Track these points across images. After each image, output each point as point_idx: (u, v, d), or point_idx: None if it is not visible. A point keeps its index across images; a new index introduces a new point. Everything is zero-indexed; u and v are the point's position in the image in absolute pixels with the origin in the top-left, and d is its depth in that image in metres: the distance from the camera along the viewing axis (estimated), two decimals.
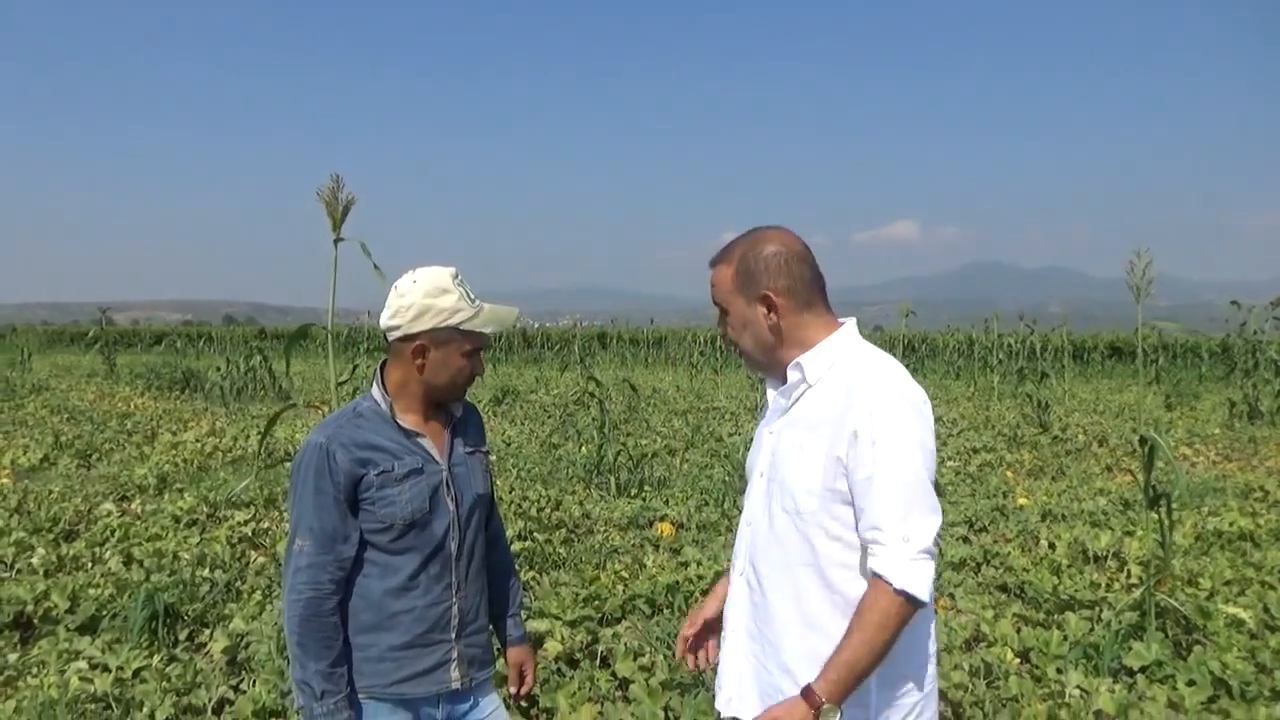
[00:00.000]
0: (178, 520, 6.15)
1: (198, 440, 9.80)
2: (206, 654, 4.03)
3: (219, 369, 15.65)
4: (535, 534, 5.79)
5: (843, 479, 1.64)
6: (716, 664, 1.99)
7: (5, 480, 7.53)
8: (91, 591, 4.54)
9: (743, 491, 1.97)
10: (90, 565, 5.21)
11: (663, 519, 6.34)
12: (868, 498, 1.61)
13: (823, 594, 1.69)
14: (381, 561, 1.92)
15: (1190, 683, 3.50)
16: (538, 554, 5.45)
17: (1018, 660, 3.85)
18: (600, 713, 3.32)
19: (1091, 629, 4.10)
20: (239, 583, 4.89)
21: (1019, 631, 4.10)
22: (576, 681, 3.56)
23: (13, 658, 3.88)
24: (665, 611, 4.52)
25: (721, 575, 2.22)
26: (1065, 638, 3.97)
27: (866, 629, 1.57)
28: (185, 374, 17.04)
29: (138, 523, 6.09)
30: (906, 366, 1.79)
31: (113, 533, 5.76)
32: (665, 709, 3.31)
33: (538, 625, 4.07)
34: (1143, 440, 4.15)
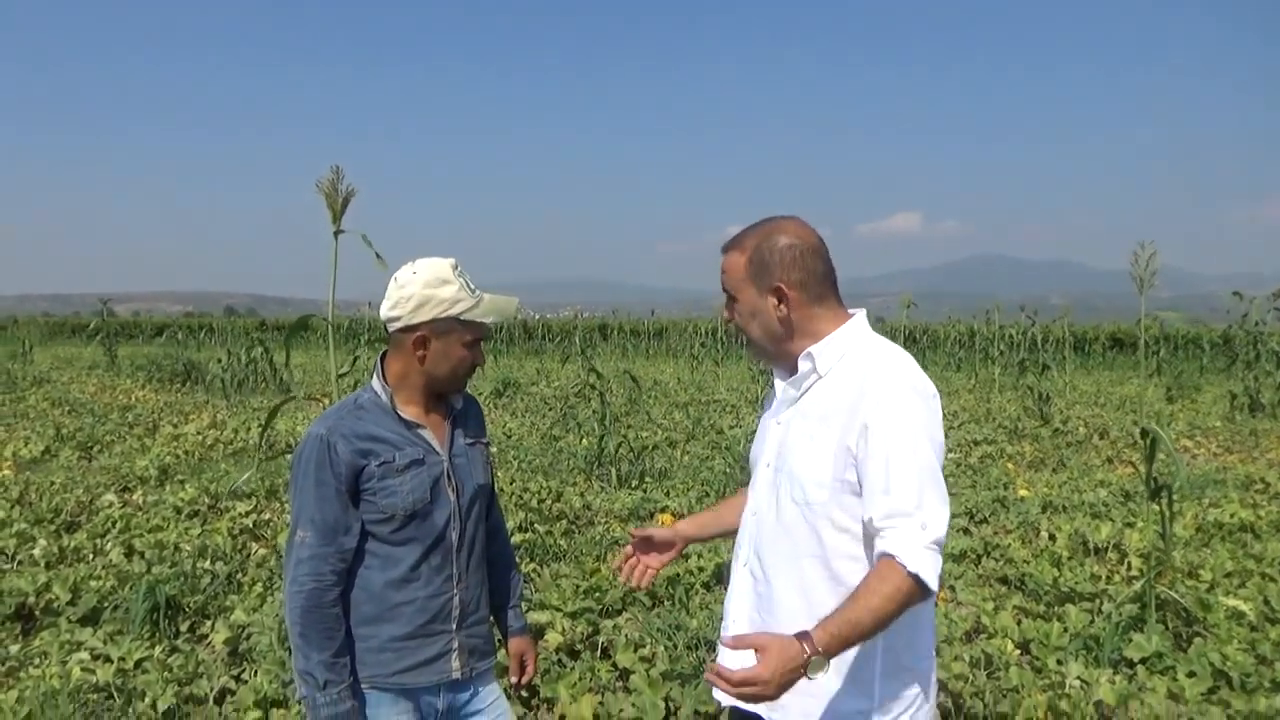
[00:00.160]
0: (179, 512, 6.16)
1: (199, 432, 9.81)
2: (208, 645, 4.04)
3: (220, 361, 15.64)
4: (536, 525, 5.79)
5: (852, 470, 1.64)
6: (646, 585, 2.13)
7: (7, 472, 7.54)
8: (93, 583, 4.54)
9: (744, 483, 1.97)
10: (92, 557, 5.22)
11: (663, 511, 6.34)
12: (881, 487, 1.59)
13: (829, 586, 1.69)
14: (383, 553, 1.93)
15: (1190, 674, 3.50)
16: (538, 545, 5.45)
17: (1018, 652, 3.86)
18: (601, 703, 3.32)
19: (1092, 621, 4.10)
20: (240, 574, 4.90)
21: (1019, 623, 4.11)
22: (577, 672, 3.57)
23: (15, 649, 3.90)
24: (666, 603, 4.53)
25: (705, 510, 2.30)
26: (1065, 629, 3.97)
27: (875, 596, 1.52)
28: (186, 366, 17.02)
29: (139, 514, 6.10)
30: None
31: (114, 524, 5.77)
32: (666, 700, 3.31)
33: (538, 616, 4.08)
34: (1144, 432, 4.15)
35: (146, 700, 3.38)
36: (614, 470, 7.53)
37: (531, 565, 5.15)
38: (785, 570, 1.74)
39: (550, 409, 12.58)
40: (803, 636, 1.48)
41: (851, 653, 1.67)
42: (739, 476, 7.12)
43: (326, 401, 11.08)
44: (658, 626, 4.13)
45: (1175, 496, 4.37)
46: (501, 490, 6.55)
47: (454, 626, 2.00)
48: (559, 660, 3.81)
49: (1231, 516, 5.88)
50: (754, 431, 1.97)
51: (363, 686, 1.92)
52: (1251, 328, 14.74)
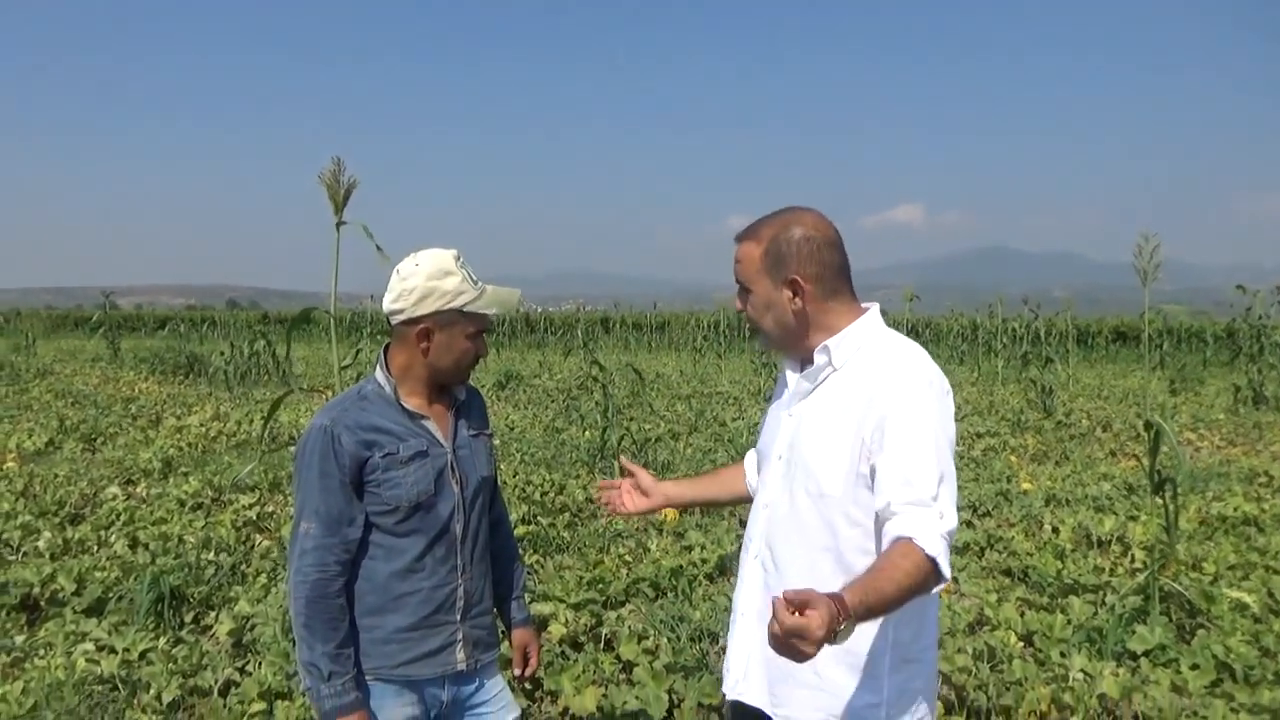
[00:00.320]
0: (183, 504, 6.17)
1: (202, 424, 9.82)
2: (212, 636, 4.05)
3: (223, 353, 15.65)
4: (539, 518, 5.80)
5: (867, 463, 1.64)
6: (625, 512, 2.18)
7: (11, 464, 7.55)
8: (97, 574, 4.55)
9: (725, 463, 1.96)
10: (96, 548, 5.23)
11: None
12: (900, 478, 1.58)
13: (841, 579, 1.68)
14: (387, 544, 1.93)
15: (1194, 667, 3.50)
16: (541, 538, 5.46)
17: (1021, 644, 3.86)
18: (604, 695, 3.33)
19: (1095, 613, 4.10)
20: (244, 566, 4.91)
21: (1022, 615, 4.10)
22: (580, 664, 3.58)
23: (20, 640, 3.91)
24: (669, 595, 4.53)
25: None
26: (1069, 622, 3.97)
27: (899, 571, 1.48)
28: (189, 358, 17.04)
29: (143, 506, 6.11)
30: None
31: (118, 516, 5.78)
32: (669, 692, 3.32)
33: (542, 608, 4.08)
34: (1147, 425, 4.14)
35: (151, 691, 3.40)
36: (616, 463, 7.53)
37: (535, 557, 5.16)
38: (797, 563, 1.74)
39: (553, 401, 12.59)
40: (836, 599, 1.40)
41: (861, 647, 1.67)
42: None
43: (329, 394, 11.07)
44: (661, 618, 4.13)
45: (1179, 489, 4.36)
46: (504, 483, 6.55)
47: (458, 618, 2.00)
48: (562, 652, 3.82)
49: (1235, 510, 5.87)
50: (757, 423, 1.97)
51: (367, 678, 1.92)
52: (1255, 321, 14.71)
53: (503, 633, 2.25)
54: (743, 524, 2.02)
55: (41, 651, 3.79)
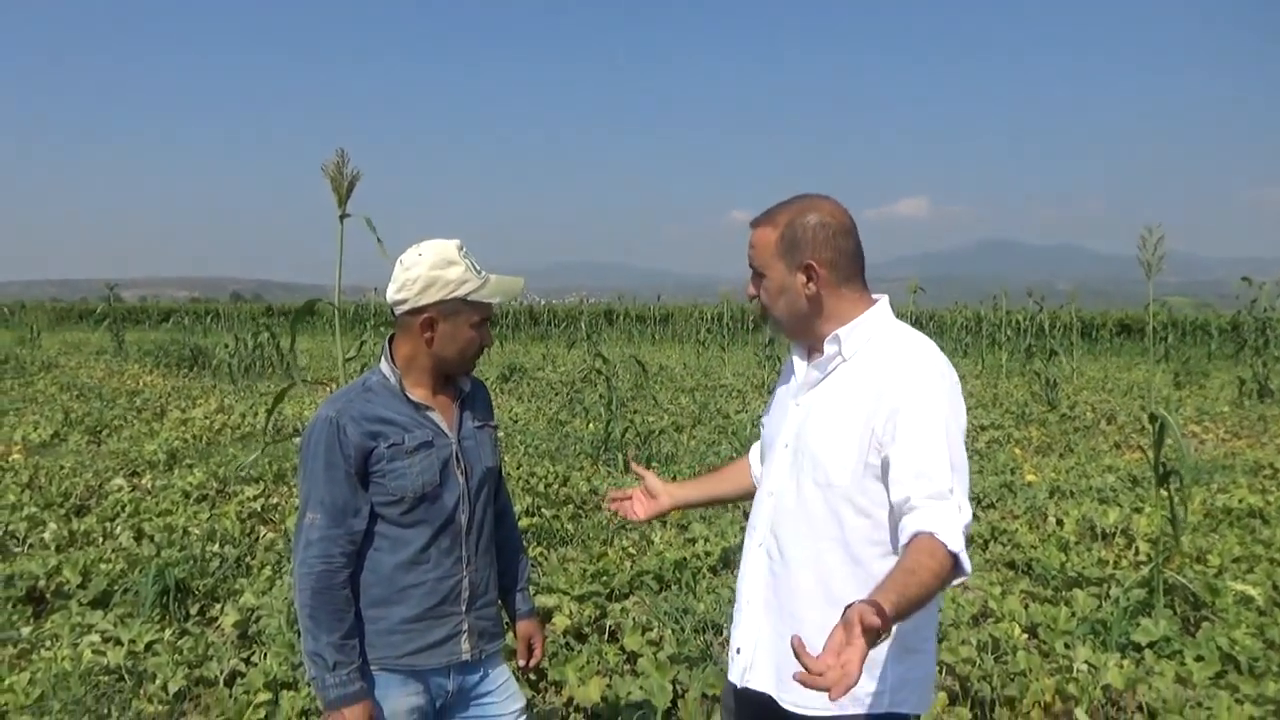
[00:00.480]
0: (187, 496, 6.19)
1: (206, 417, 9.84)
2: (218, 627, 4.06)
3: (227, 346, 15.69)
4: (543, 510, 5.80)
5: (876, 454, 1.64)
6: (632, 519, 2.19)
7: (17, 456, 7.57)
8: (103, 566, 4.57)
9: (731, 458, 1.96)
10: (101, 540, 5.25)
11: None
12: (915, 470, 1.57)
13: (848, 570, 1.68)
14: (392, 535, 1.93)
15: (1198, 658, 3.50)
16: (545, 530, 5.47)
17: (1026, 636, 3.86)
18: (609, 686, 3.33)
19: (1099, 605, 4.10)
20: (249, 557, 4.93)
21: (1027, 608, 4.10)
22: (585, 655, 3.58)
23: (26, 631, 3.92)
24: (673, 587, 4.53)
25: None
26: (1073, 614, 3.97)
27: (926, 573, 1.45)
28: (193, 351, 17.08)
29: (148, 498, 6.13)
30: None
31: (123, 508, 5.79)
32: (673, 683, 3.32)
33: (546, 600, 4.08)
34: (1152, 417, 4.13)
35: (157, 682, 3.41)
36: (620, 455, 7.54)
37: (539, 549, 5.16)
38: (803, 552, 1.74)
39: (557, 394, 12.59)
40: (878, 610, 1.33)
41: None
42: None
43: (333, 386, 11.10)
44: (665, 610, 4.13)
45: (1183, 482, 4.35)
46: (508, 475, 6.56)
47: (463, 609, 2.00)
48: (567, 643, 3.82)
49: (1240, 502, 5.87)
50: (759, 417, 1.97)
51: (372, 668, 1.92)
52: (1260, 313, 14.67)
53: (507, 624, 2.25)
54: (746, 516, 2.02)
55: (48, 643, 3.81)
